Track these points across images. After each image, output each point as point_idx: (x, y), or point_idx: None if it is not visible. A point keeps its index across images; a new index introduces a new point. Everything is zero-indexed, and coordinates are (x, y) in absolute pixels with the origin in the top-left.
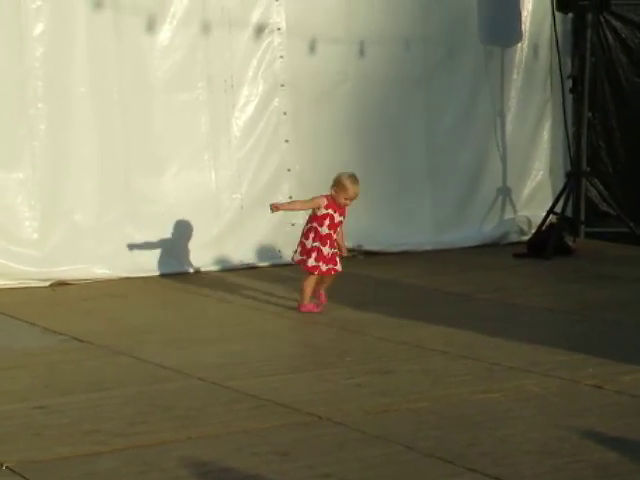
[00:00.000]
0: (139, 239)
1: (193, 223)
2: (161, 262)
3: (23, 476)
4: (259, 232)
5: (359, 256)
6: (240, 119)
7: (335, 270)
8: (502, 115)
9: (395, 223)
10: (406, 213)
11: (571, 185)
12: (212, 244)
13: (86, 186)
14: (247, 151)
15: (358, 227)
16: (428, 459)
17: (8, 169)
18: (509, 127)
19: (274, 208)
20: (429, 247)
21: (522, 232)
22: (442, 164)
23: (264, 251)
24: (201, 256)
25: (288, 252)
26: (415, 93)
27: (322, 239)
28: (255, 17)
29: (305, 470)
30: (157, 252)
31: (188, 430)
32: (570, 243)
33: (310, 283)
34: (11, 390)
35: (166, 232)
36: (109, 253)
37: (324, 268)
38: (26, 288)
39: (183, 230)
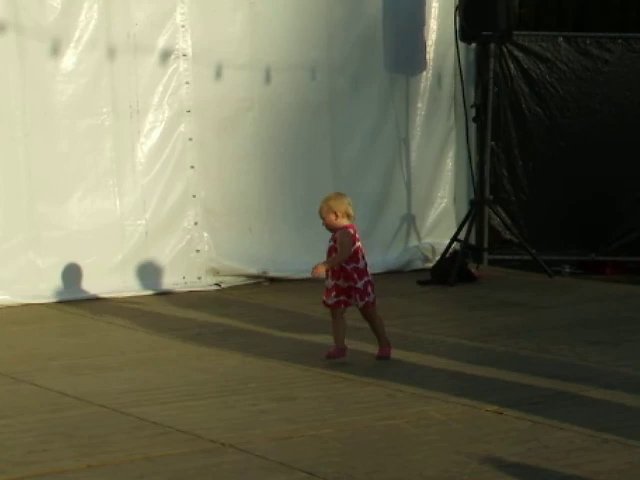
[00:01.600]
0: (41, 265)
1: (97, 249)
2: (64, 288)
3: None
4: (163, 258)
5: (264, 282)
6: (145, 145)
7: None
8: (407, 143)
9: (301, 250)
10: (311, 240)
11: (474, 213)
12: (116, 270)
13: None
14: (152, 177)
15: (263, 253)
16: None
17: None
18: (414, 155)
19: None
20: None
21: (426, 259)
22: (347, 191)
23: (168, 277)
24: (105, 282)
25: (192, 278)
26: (321, 120)
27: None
28: (161, 43)
29: None
30: (59, 278)
31: (89, 458)
32: (473, 270)
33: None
34: None
35: (69, 258)
36: (10, 279)
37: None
38: None
39: (86, 256)
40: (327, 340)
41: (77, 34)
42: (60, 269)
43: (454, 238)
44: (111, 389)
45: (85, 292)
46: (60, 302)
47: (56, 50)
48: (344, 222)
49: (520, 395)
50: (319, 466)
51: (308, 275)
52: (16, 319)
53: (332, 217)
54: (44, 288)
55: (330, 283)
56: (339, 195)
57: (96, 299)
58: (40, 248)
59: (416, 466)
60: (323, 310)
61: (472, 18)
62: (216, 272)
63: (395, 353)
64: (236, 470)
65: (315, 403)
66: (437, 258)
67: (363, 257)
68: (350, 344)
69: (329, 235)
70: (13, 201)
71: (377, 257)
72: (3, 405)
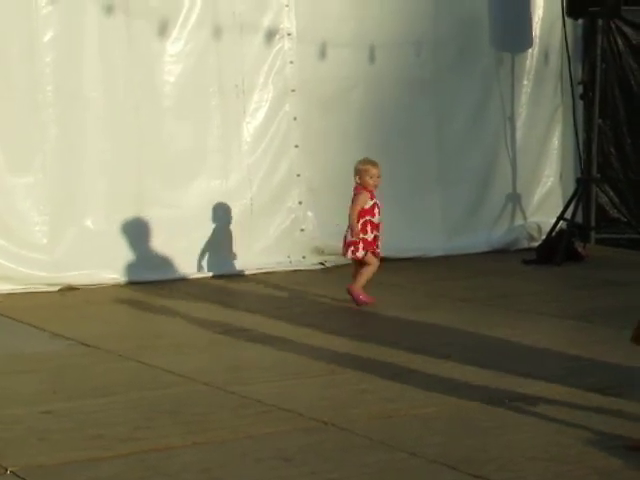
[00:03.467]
0: (149, 245)
1: (203, 228)
2: (170, 267)
3: None
4: (268, 237)
5: None
6: (251, 124)
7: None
8: (512, 121)
9: (405, 229)
10: (416, 219)
11: (581, 191)
12: (221, 249)
13: (96, 191)
14: (258, 156)
15: None
16: (432, 465)
17: (19, 173)
18: (519, 133)
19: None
20: (439, 253)
21: (532, 238)
22: (452, 169)
23: (273, 256)
24: (210, 261)
25: (297, 257)
26: (425, 98)
27: (377, 227)
28: (266, 22)
29: (309, 476)
30: (166, 257)
31: (193, 435)
32: (580, 249)
33: (370, 272)
34: (19, 394)
35: (176, 237)
36: (119, 258)
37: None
38: (35, 293)
39: (192, 235)
40: (431, 319)
41: (184, 14)
42: (166, 248)
43: (560, 217)
44: (215, 367)
45: (190, 270)
46: (166, 280)
47: (163, 31)
48: None
49: (625, 375)
50: (421, 446)
51: (413, 254)
52: (123, 298)
53: None
54: (151, 268)
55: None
56: None
57: (201, 278)
58: (147, 228)
59: (519, 446)
60: (427, 288)
61: None
62: (320, 251)
63: (500, 333)
64: (338, 449)
65: (416, 382)
66: (543, 237)
67: None
68: (450, 325)
69: (433, 214)
70: (121, 181)
71: (482, 235)
72: (109, 382)
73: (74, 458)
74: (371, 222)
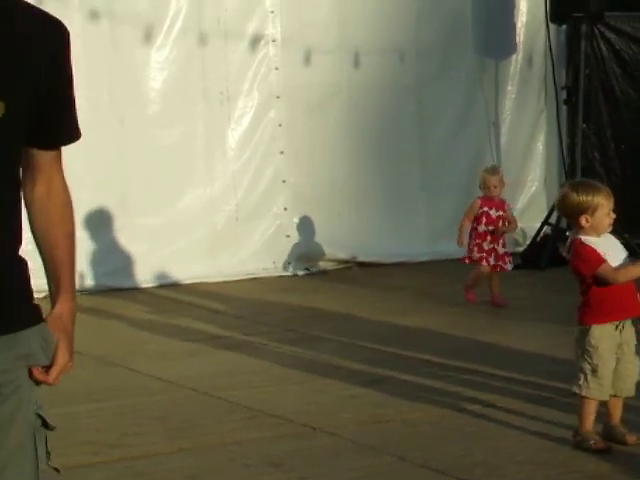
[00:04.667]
0: (133, 251)
1: (188, 235)
2: (155, 274)
3: None
4: (254, 244)
5: (353, 267)
6: (236, 131)
7: (502, 268)
8: (496, 126)
9: (390, 234)
10: (401, 224)
11: None
12: (206, 255)
13: (80, 198)
14: (242, 163)
15: (352, 238)
16: (420, 469)
17: None
18: (503, 138)
19: (459, 244)
20: (424, 258)
21: (517, 243)
22: (436, 175)
23: (258, 263)
24: (195, 267)
25: (282, 263)
26: (409, 104)
27: (482, 236)
28: (251, 29)
29: None
30: (151, 264)
31: (181, 441)
32: (565, 254)
33: (478, 275)
34: None
35: (160, 244)
36: (103, 265)
37: (491, 262)
38: None
39: (178, 241)
40: (417, 324)
41: (169, 21)
42: (152, 254)
43: (545, 222)
44: (201, 373)
45: (176, 277)
46: (152, 287)
47: (148, 37)
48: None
49: None
50: (408, 450)
51: (397, 259)
52: (107, 303)
53: None
54: (136, 274)
55: (489, 246)
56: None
57: (187, 284)
58: (132, 234)
59: (507, 451)
60: (412, 293)
61: None
62: (306, 257)
63: (487, 337)
64: (326, 454)
65: (404, 387)
66: (528, 242)
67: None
68: (437, 330)
69: (417, 220)
70: (106, 188)
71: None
72: (97, 388)
73: (62, 464)
74: (475, 230)
